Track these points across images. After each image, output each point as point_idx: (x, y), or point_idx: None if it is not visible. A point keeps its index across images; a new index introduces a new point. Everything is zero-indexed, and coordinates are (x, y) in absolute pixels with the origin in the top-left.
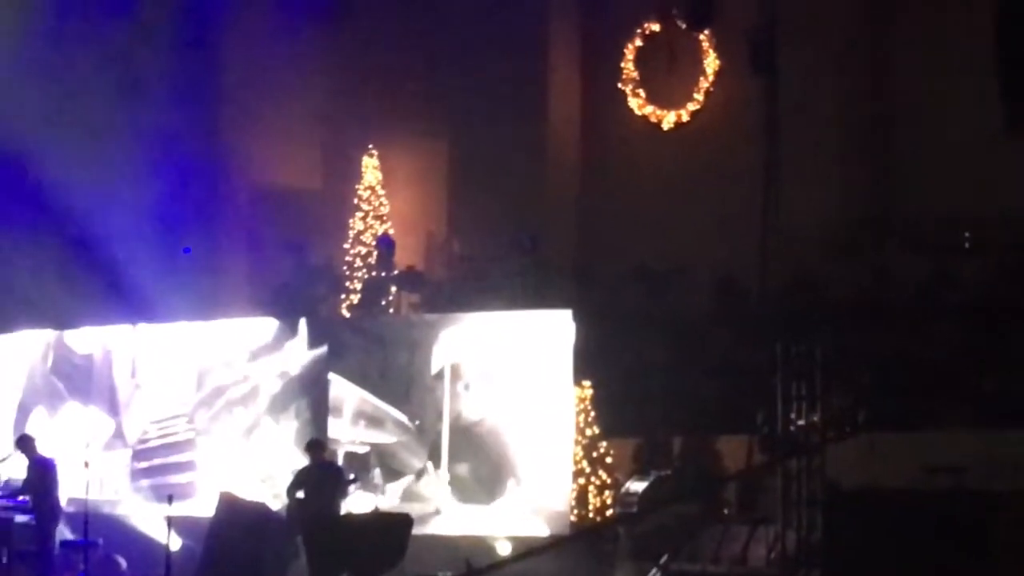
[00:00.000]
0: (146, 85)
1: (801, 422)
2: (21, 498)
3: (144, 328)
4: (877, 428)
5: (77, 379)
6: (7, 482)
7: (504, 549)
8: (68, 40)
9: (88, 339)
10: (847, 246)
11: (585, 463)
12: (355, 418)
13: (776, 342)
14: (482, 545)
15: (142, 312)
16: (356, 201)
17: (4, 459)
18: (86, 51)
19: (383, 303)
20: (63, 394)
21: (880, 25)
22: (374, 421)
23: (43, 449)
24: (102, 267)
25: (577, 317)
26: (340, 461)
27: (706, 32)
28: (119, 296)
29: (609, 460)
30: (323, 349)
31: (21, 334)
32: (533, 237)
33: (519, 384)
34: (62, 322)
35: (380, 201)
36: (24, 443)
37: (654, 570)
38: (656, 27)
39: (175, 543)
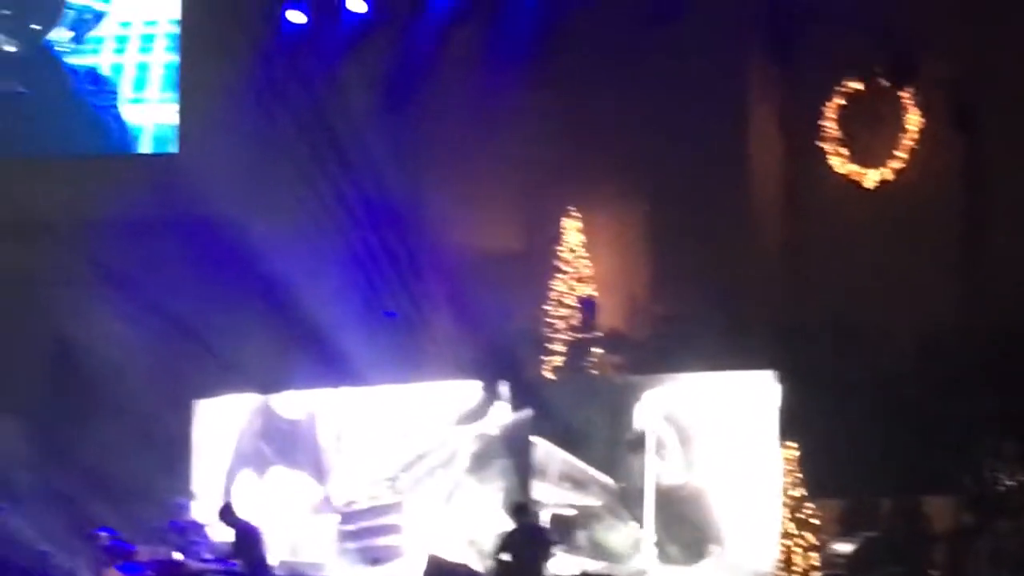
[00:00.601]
0: (349, 150)
1: (1010, 481)
2: (232, 562)
3: (348, 392)
4: None
5: (283, 443)
6: (216, 545)
7: None
8: (273, 105)
9: (294, 403)
10: None
11: (791, 524)
12: (559, 480)
13: (983, 399)
14: None
15: (347, 376)
16: (558, 263)
17: (207, 526)
18: (290, 116)
19: (586, 365)
20: (270, 458)
21: None
22: (578, 483)
23: (249, 514)
24: (307, 331)
25: (780, 377)
26: (546, 524)
27: (908, 89)
28: (324, 360)
29: (815, 521)
30: (526, 411)
31: (228, 398)
32: (735, 296)
33: (723, 445)
34: (268, 386)
35: (582, 262)
36: (225, 513)
37: None
38: (858, 85)
39: None
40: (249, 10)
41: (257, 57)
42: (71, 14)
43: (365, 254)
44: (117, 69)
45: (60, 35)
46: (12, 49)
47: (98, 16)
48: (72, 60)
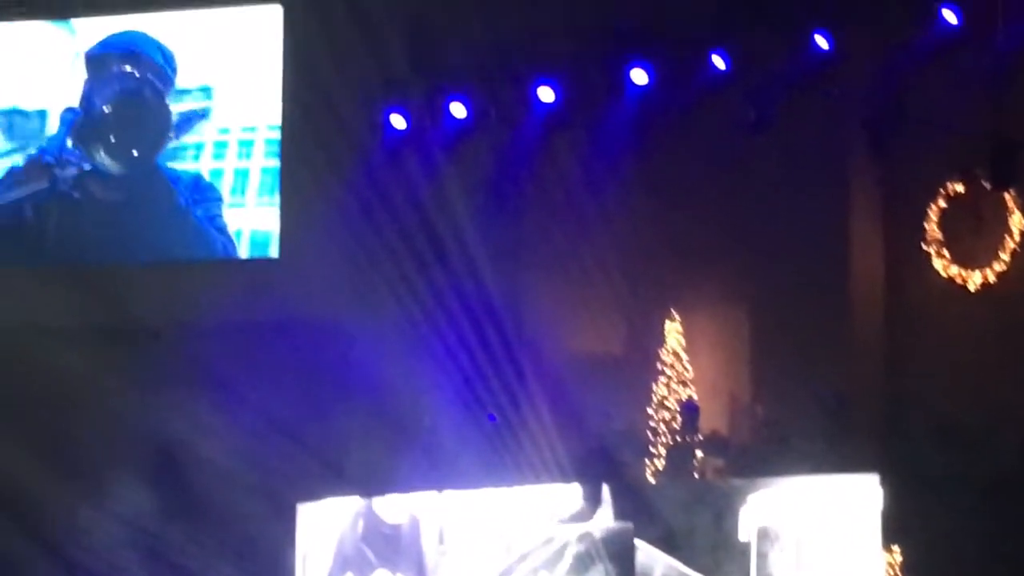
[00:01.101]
0: (450, 253)
1: None
2: None
3: (451, 495)
4: None
5: (386, 547)
6: None
7: None
8: (373, 208)
9: (396, 506)
10: None
11: None
12: None
13: None
14: None
15: (449, 479)
16: (659, 366)
17: None
18: (391, 219)
19: (688, 468)
20: (372, 562)
21: None
22: None
23: None
24: (409, 434)
25: (884, 480)
26: None
27: (1011, 191)
28: (426, 463)
29: None
30: (628, 515)
31: (330, 502)
32: (839, 397)
33: (826, 549)
34: (370, 490)
35: (683, 366)
36: None
37: None
38: (960, 187)
39: None
40: (350, 115)
41: (358, 161)
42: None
43: (466, 357)
44: (216, 174)
45: None
46: (116, 171)
47: (202, 115)
48: (174, 165)
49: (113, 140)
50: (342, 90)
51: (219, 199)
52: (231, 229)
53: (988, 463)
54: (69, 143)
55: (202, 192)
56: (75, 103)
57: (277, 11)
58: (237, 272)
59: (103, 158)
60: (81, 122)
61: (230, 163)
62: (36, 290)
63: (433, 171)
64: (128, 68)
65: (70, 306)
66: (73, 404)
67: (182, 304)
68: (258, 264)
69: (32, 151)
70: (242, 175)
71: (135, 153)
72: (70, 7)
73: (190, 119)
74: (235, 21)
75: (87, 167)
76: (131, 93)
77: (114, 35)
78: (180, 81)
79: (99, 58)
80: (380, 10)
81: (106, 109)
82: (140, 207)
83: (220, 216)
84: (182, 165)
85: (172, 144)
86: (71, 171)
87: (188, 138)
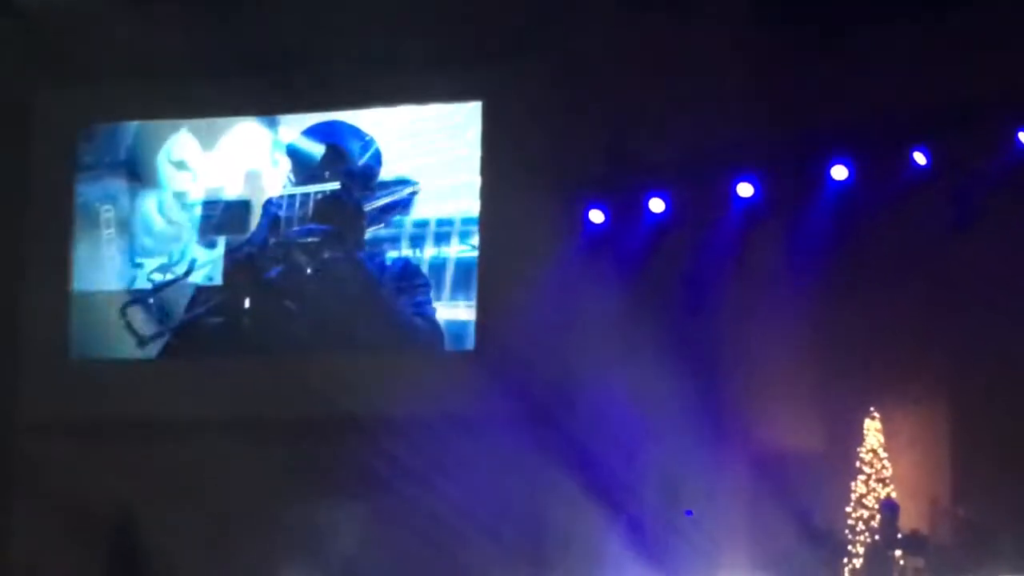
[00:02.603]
0: (647, 349)
1: None
2: None
3: None
4: None
5: None
6: None
7: None
8: (569, 301)
9: None
10: None
11: None
12: None
13: None
14: None
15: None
16: (858, 464)
17: None
18: (588, 313)
19: (888, 569)
20: None
21: None
22: None
23: None
24: (602, 527)
25: None
26: None
27: None
28: (622, 559)
29: None
30: None
31: None
32: None
33: None
34: None
35: (882, 464)
36: None
37: None
38: None
39: None
40: (549, 208)
41: (556, 255)
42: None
43: (660, 450)
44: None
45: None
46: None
47: (404, 205)
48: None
49: (314, 240)
50: (541, 184)
51: (427, 284)
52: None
53: None
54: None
55: (409, 279)
56: (276, 193)
57: (477, 107)
58: (436, 364)
59: (299, 256)
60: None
61: (428, 253)
62: (236, 382)
63: (631, 266)
64: (326, 167)
65: (265, 398)
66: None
67: (383, 395)
68: (456, 356)
69: (237, 240)
70: (439, 266)
71: (327, 255)
72: (273, 104)
73: (390, 209)
74: (438, 116)
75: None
76: (328, 195)
77: (316, 125)
78: (383, 172)
79: (300, 151)
80: (581, 104)
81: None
82: (340, 297)
83: (428, 303)
84: (389, 253)
85: (370, 233)
86: (273, 264)
87: (387, 230)
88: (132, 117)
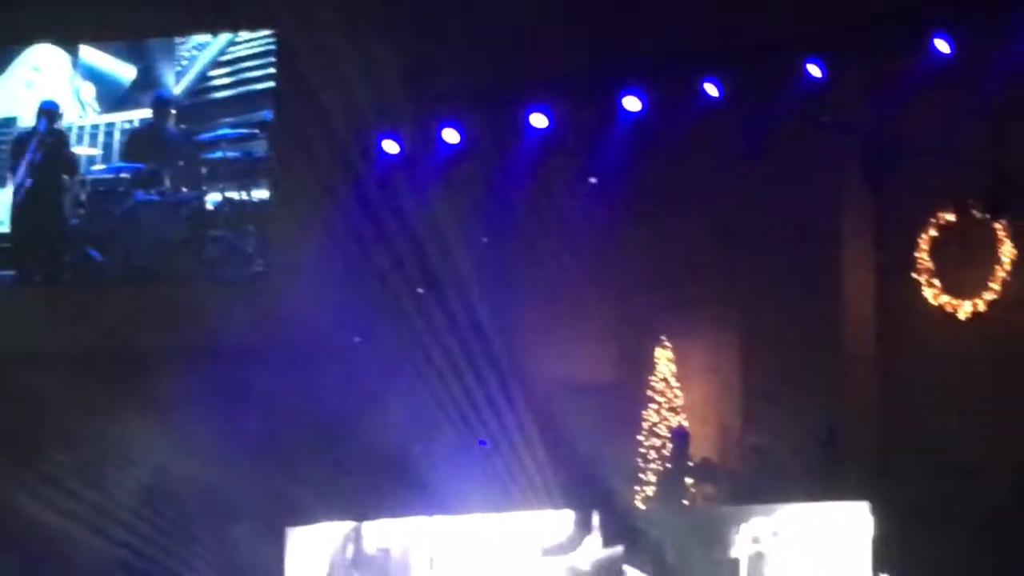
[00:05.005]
0: (442, 280)
1: None
2: None
3: (441, 520)
4: None
5: (375, 571)
6: None
7: None
8: (364, 234)
9: (386, 531)
10: None
11: None
12: None
13: None
14: None
15: (439, 504)
16: (650, 393)
17: None
18: (382, 245)
19: (678, 495)
20: None
21: None
22: None
23: None
24: (400, 459)
25: (874, 508)
26: None
27: (1002, 221)
28: (417, 488)
29: None
30: (618, 542)
31: (320, 526)
32: (831, 428)
33: None
34: (360, 514)
35: (674, 393)
36: None
37: None
38: (951, 216)
39: None
40: (341, 137)
41: (349, 187)
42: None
43: (457, 383)
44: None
45: None
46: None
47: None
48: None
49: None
50: (334, 114)
51: (231, 221)
52: (223, 250)
53: (978, 494)
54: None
55: (212, 217)
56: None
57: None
58: (226, 294)
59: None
60: None
61: (231, 193)
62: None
63: (425, 196)
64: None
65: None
66: (64, 425)
67: (170, 326)
68: (247, 287)
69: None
70: (239, 204)
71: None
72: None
73: (203, 147)
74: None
75: None
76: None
77: (125, 45)
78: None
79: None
80: (375, 35)
81: None
82: (149, 240)
83: (227, 239)
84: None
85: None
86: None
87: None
88: None
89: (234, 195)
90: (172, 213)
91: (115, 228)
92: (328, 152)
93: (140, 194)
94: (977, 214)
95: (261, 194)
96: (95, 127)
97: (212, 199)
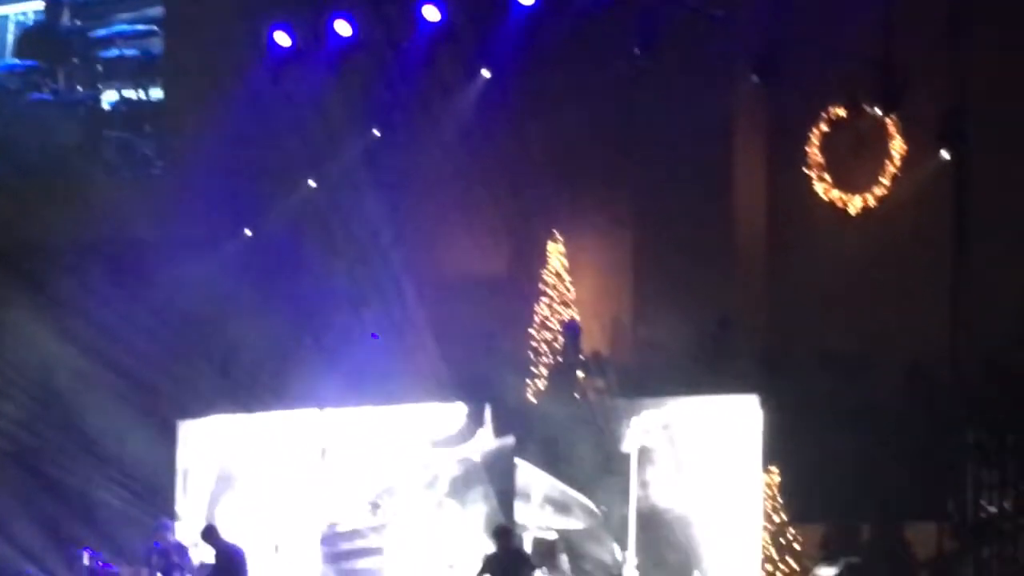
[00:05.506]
0: (333, 172)
1: (993, 509)
2: None
3: (332, 413)
4: None
5: (266, 463)
6: (201, 566)
7: None
8: (257, 126)
9: (277, 423)
10: None
11: (773, 550)
12: (542, 504)
13: (967, 429)
14: None
15: (331, 397)
16: (542, 287)
17: (190, 547)
18: (274, 137)
19: (569, 389)
20: (253, 479)
21: None
22: (561, 507)
23: (232, 535)
24: (291, 352)
25: (765, 402)
26: (528, 547)
27: (892, 116)
28: (308, 381)
29: (797, 547)
30: (509, 435)
31: (212, 419)
32: (721, 322)
33: (706, 469)
34: (252, 407)
35: (566, 287)
36: (208, 534)
37: None
38: (842, 112)
39: None
40: (234, 32)
41: (241, 78)
42: None
43: (349, 276)
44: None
45: None
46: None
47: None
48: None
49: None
50: (226, 5)
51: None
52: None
53: (866, 387)
54: None
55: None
56: None
57: None
58: (119, 188)
59: None
60: None
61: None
62: None
63: (317, 89)
64: None
65: None
66: None
67: (65, 221)
68: (139, 180)
69: None
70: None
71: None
72: None
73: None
74: None
75: None
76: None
77: None
78: None
79: None
80: None
81: None
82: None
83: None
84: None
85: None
86: None
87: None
88: None
89: (131, 94)
90: (67, 113)
91: (7, 128)
92: (220, 47)
93: (34, 95)
94: (868, 109)
95: (159, 93)
96: None
97: (108, 99)
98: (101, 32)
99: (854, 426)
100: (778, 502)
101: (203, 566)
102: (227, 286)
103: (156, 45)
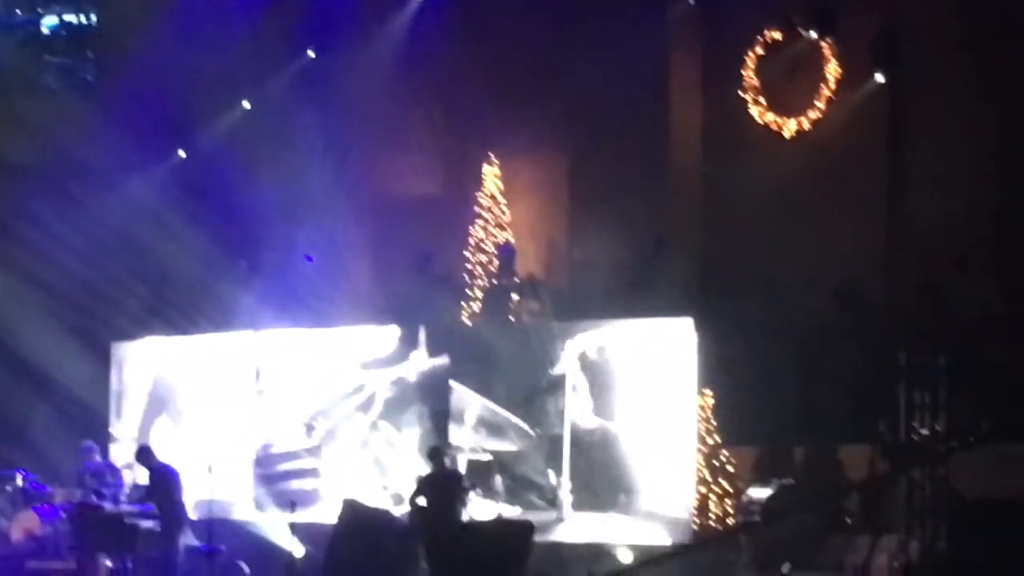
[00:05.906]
0: (267, 92)
1: (925, 431)
2: (148, 504)
3: (267, 334)
4: (1002, 438)
5: (200, 386)
6: (135, 487)
7: (625, 557)
8: (191, 47)
9: (211, 345)
10: (972, 256)
11: (706, 471)
12: (476, 426)
13: (900, 351)
14: (603, 553)
15: (265, 319)
16: (477, 209)
17: (124, 468)
18: (208, 58)
19: (504, 311)
20: (187, 400)
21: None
22: (495, 429)
23: (166, 456)
24: (226, 274)
25: (699, 326)
26: (462, 468)
27: (828, 39)
28: (243, 303)
29: (730, 469)
30: (444, 357)
31: (145, 341)
32: (656, 244)
33: (641, 392)
34: (185, 329)
35: (501, 209)
36: (142, 455)
37: None
38: (777, 35)
39: (298, 550)
40: None
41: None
42: None
43: (281, 197)
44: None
45: None
46: None
47: None
48: None
49: None
50: None
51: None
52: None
53: (800, 309)
54: None
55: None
56: None
57: None
58: (50, 108)
59: None
60: None
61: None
62: None
63: (252, 10)
64: None
65: None
66: None
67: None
68: (72, 100)
69: None
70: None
71: None
72: None
73: None
74: None
75: None
76: None
77: None
78: None
79: None
80: None
81: None
82: None
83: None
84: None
85: None
86: None
87: None
88: None
89: (72, 18)
90: (5, 37)
91: None
92: None
93: None
94: (803, 32)
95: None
96: None
97: (48, 23)
98: None
99: (788, 349)
100: (712, 424)
101: (137, 487)
102: (161, 208)
103: None
